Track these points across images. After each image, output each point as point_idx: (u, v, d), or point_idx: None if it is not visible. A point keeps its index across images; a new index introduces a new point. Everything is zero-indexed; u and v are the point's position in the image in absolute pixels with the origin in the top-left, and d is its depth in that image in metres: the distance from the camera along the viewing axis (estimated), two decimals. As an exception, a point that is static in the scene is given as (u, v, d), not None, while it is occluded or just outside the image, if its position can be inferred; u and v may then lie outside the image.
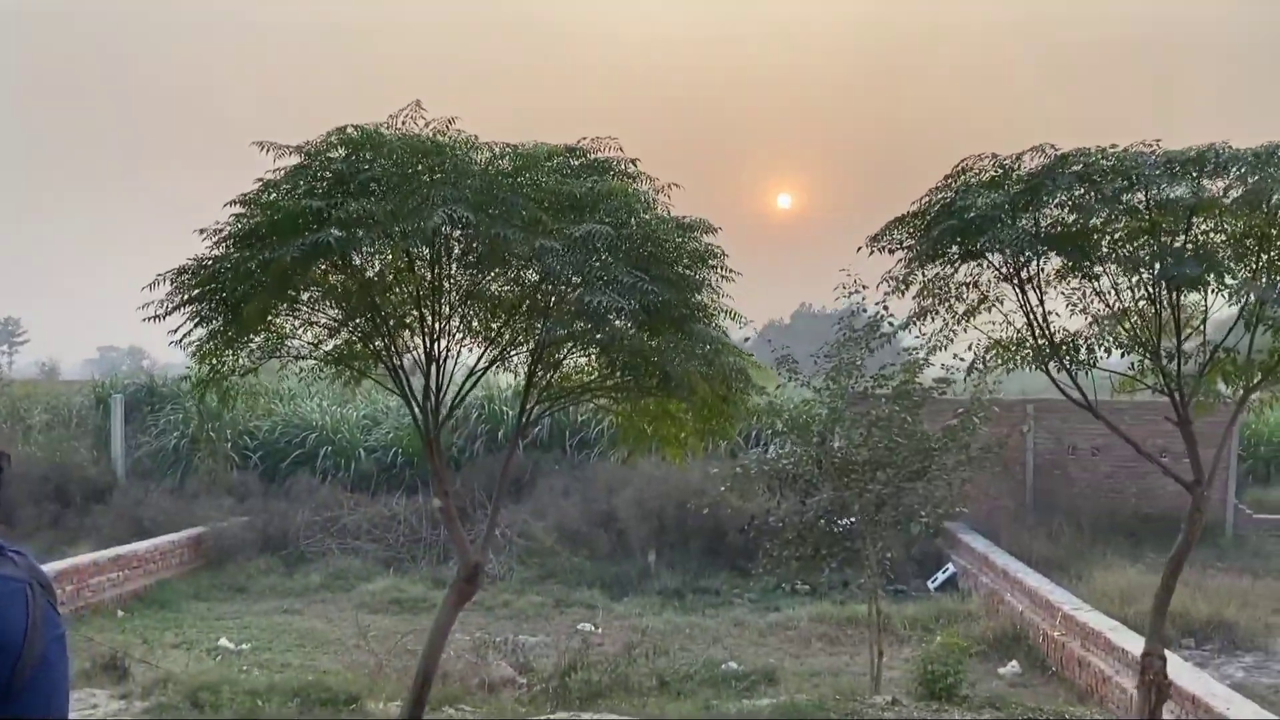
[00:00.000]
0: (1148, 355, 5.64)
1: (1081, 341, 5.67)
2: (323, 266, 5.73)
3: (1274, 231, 5.38)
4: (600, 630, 11.14)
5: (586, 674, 8.48)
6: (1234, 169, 5.11)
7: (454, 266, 6.02)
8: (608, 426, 14.34)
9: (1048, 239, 5.46)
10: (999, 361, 6.04)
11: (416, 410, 6.33)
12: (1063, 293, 5.75)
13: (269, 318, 5.97)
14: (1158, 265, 5.25)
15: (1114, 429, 6.17)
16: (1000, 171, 5.55)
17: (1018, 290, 5.78)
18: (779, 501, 9.47)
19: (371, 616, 11.49)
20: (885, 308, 8.60)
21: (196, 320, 5.76)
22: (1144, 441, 6.35)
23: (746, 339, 7.92)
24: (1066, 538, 13.98)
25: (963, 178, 5.64)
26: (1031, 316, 5.80)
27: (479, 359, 6.54)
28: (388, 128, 5.56)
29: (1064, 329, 5.81)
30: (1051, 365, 5.85)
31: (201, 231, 5.60)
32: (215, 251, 5.64)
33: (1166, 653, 6.14)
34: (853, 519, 8.96)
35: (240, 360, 6.25)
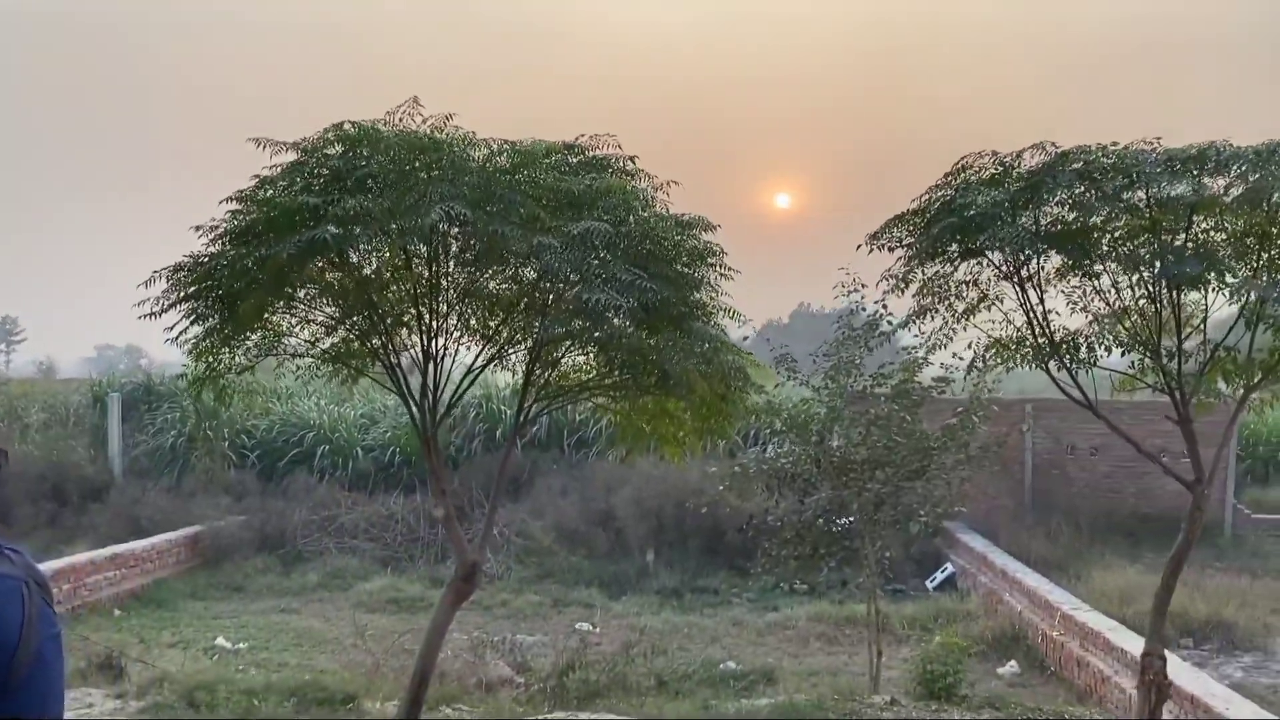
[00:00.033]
0: (1148, 354, 5.62)
1: (1082, 340, 5.64)
2: (319, 264, 5.71)
3: (1275, 230, 5.36)
4: (598, 630, 11.12)
5: (584, 673, 8.45)
6: (1235, 167, 5.08)
7: (451, 264, 5.99)
8: (606, 426, 14.32)
9: (1048, 237, 5.44)
10: (999, 360, 6.02)
11: (414, 408, 6.31)
12: (1063, 291, 5.73)
13: (265, 315, 5.95)
14: (1158, 264, 5.23)
15: (1114, 428, 6.15)
16: (1000, 169, 5.52)
17: (1017, 288, 5.75)
18: (777, 501, 9.44)
19: (369, 616, 11.46)
20: (884, 306, 8.60)
21: (193, 318, 5.73)
22: (1142, 442, 6.33)
23: (745, 338, 7.89)
24: (1065, 537, 13.97)
25: (963, 175, 5.61)
26: (1031, 315, 5.77)
27: (476, 357, 6.51)
28: (385, 124, 5.54)
29: (1064, 328, 5.79)
30: (1051, 364, 5.83)
31: (198, 228, 5.58)
32: (212, 248, 5.61)
33: (1165, 653, 6.12)
34: (851, 518, 8.94)
35: (237, 358, 6.22)
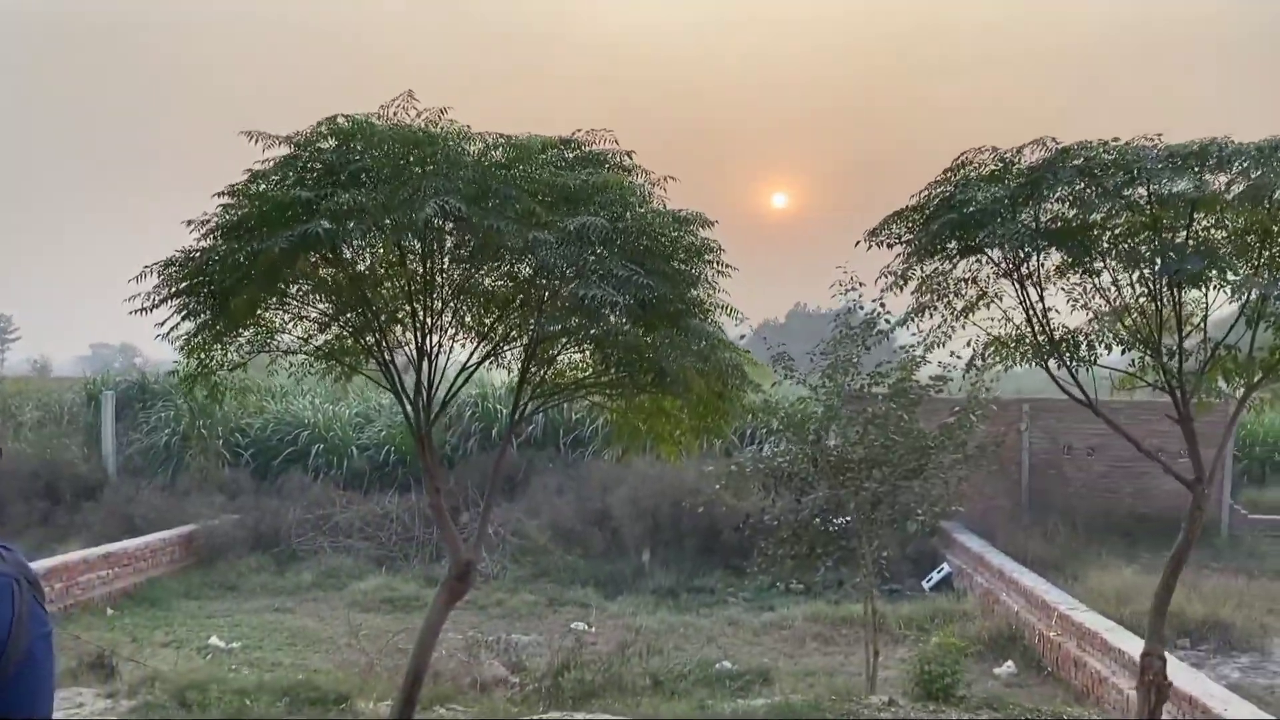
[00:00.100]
0: (1148, 352, 5.58)
1: (1081, 338, 5.60)
2: (312, 259, 5.65)
3: (1276, 227, 5.32)
4: (594, 629, 11.07)
5: (579, 673, 8.41)
6: (1237, 163, 5.04)
7: (446, 260, 5.94)
8: (602, 425, 14.29)
9: (1048, 234, 5.40)
10: (998, 358, 5.97)
11: (408, 406, 6.25)
12: (1063, 289, 5.69)
13: (258, 311, 5.89)
14: (1159, 261, 5.19)
15: (1114, 426, 6.10)
16: (1000, 165, 5.48)
17: (1017, 286, 5.71)
18: (774, 500, 9.40)
19: (363, 615, 11.41)
20: (882, 305, 8.56)
21: (184, 313, 5.67)
22: (1140, 442, 6.28)
23: (742, 336, 7.85)
24: (1062, 537, 13.96)
25: (963, 171, 5.57)
26: (1031, 313, 5.73)
27: (471, 354, 6.46)
28: (379, 118, 5.48)
29: (1063, 326, 5.75)
30: (1051, 362, 5.78)
31: (189, 223, 5.52)
32: (203, 243, 5.55)
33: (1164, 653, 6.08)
34: (848, 518, 8.91)
35: (229, 355, 6.16)
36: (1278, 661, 9.91)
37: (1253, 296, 5.23)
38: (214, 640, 10.44)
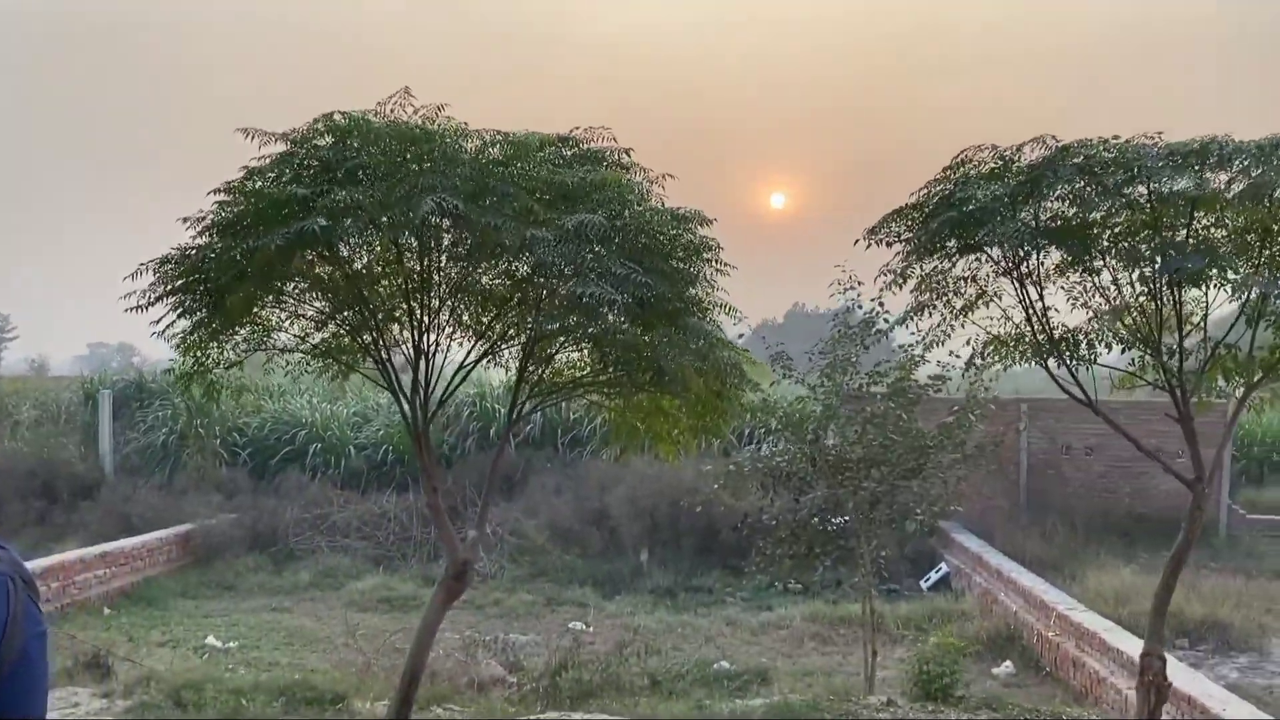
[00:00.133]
0: (1148, 351, 5.56)
1: (1081, 337, 5.58)
2: (309, 257, 5.62)
3: (1276, 226, 5.30)
4: (591, 629, 11.05)
5: (577, 673, 8.38)
6: (1237, 161, 5.02)
7: (443, 258, 5.91)
8: (600, 424, 14.26)
9: (1048, 232, 5.38)
10: (997, 357, 5.95)
11: (405, 405, 6.23)
12: (1062, 287, 5.67)
13: (254, 309, 5.86)
14: (1159, 259, 5.17)
15: (1114, 425, 6.08)
16: (1000, 163, 5.45)
17: (1016, 285, 5.69)
18: (772, 500, 9.38)
19: (361, 615, 11.39)
20: (880, 304, 8.54)
21: (180, 311, 5.64)
22: (1139, 441, 6.26)
23: (741, 335, 7.83)
24: (1060, 537, 13.94)
25: (962, 169, 5.55)
26: (1030, 311, 5.71)
27: (468, 353, 6.43)
28: (376, 115, 5.45)
29: (1063, 324, 5.73)
30: (1051, 361, 5.76)
31: (185, 220, 5.49)
32: (199, 241, 5.52)
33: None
34: (846, 517, 8.89)
35: (225, 353, 6.13)
36: (1276, 661, 9.90)
37: (1253, 295, 5.21)
38: (211, 640, 10.41)
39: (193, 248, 5.52)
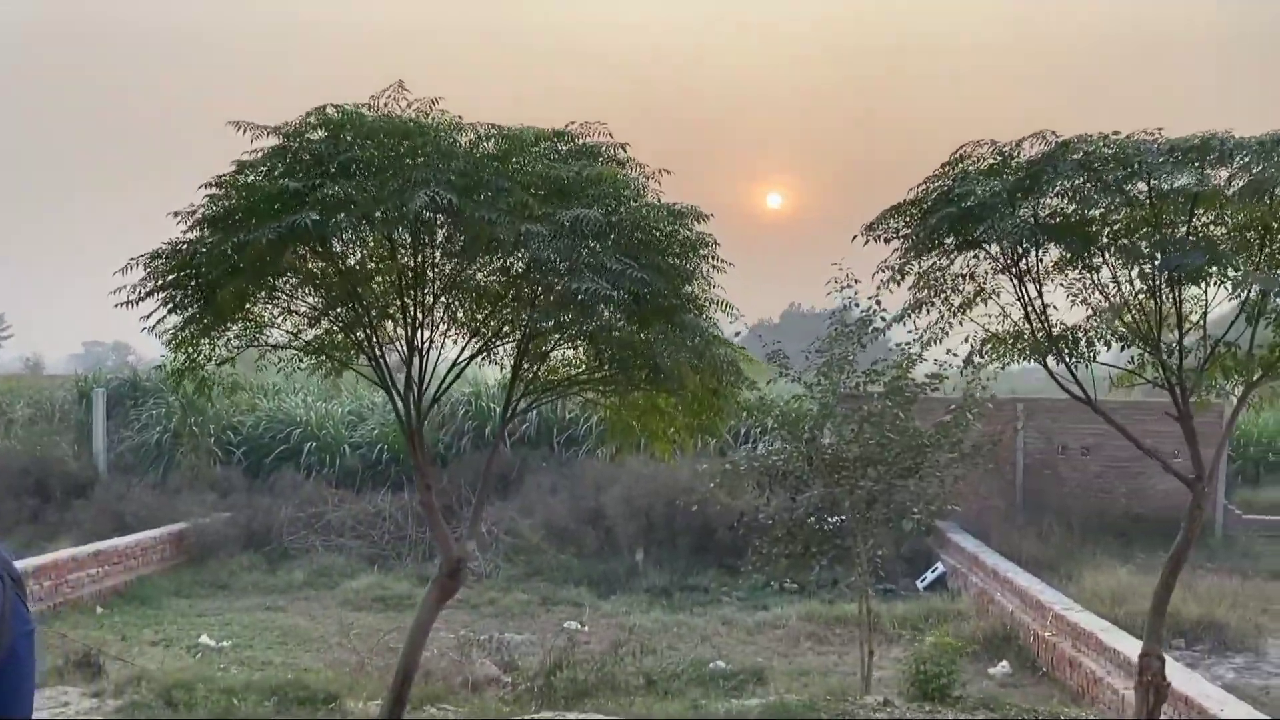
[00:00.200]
0: (1148, 349, 5.52)
1: (1080, 334, 5.55)
2: (301, 252, 5.57)
3: (1276, 223, 5.27)
4: (587, 628, 11.01)
5: (572, 673, 8.34)
6: (1238, 158, 4.99)
7: (437, 254, 5.86)
8: (596, 423, 14.22)
9: (1047, 229, 5.34)
10: (995, 355, 5.91)
11: (399, 402, 6.18)
12: (1061, 284, 5.63)
13: (246, 305, 5.81)
14: (1159, 256, 5.13)
15: (1113, 424, 6.05)
16: (1000, 159, 5.41)
17: (1015, 282, 5.65)
18: (768, 499, 9.34)
19: (355, 614, 11.34)
20: (878, 302, 8.50)
21: (170, 306, 5.59)
22: (1137, 440, 6.22)
23: (737, 334, 7.78)
24: (1056, 537, 13.91)
25: (961, 165, 5.50)
26: (1029, 309, 5.67)
27: (463, 350, 6.38)
28: (369, 108, 5.40)
29: (1062, 322, 5.70)
30: (1049, 359, 5.72)
31: (176, 214, 5.43)
32: (190, 235, 5.47)
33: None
34: (843, 516, 8.85)
35: (217, 349, 6.08)
36: (1272, 661, 9.89)
37: (1253, 293, 5.18)
38: (204, 639, 10.35)
39: (183, 242, 5.47)
